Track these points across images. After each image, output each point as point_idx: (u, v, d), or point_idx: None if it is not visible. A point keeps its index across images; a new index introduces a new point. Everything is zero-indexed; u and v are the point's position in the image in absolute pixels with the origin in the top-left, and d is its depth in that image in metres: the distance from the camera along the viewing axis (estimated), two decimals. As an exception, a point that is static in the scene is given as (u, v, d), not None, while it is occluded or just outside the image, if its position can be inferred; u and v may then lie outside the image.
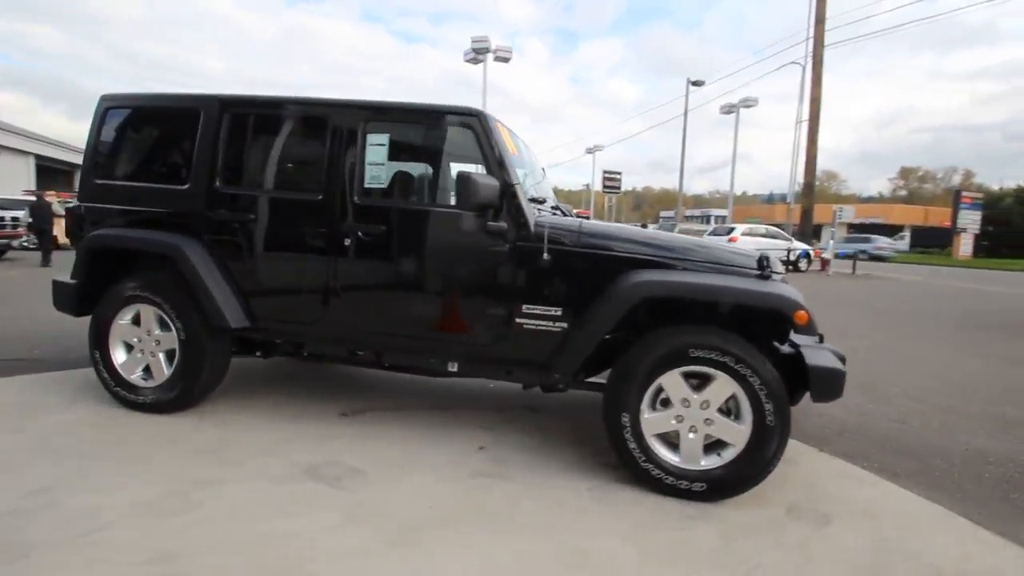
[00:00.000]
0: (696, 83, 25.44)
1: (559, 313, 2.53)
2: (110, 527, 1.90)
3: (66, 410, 2.96)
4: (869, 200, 66.14)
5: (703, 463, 2.33)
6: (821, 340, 2.61)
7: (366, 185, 2.71)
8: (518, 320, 2.56)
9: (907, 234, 35.64)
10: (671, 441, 2.39)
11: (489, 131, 2.60)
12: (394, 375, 3.19)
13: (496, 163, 2.56)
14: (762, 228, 18.59)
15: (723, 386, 2.27)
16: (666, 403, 2.37)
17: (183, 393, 2.89)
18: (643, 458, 2.34)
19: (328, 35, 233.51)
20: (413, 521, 2.06)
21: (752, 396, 2.23)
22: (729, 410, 2.33)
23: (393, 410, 3.26)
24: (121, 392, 2.96)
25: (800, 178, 19.65)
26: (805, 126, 19.02)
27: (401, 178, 2.99)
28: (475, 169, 2.68)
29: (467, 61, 19.28)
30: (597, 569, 1.84)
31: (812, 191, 19.34)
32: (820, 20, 19.56)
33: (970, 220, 29.90)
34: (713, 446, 2.35)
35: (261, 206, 2.83)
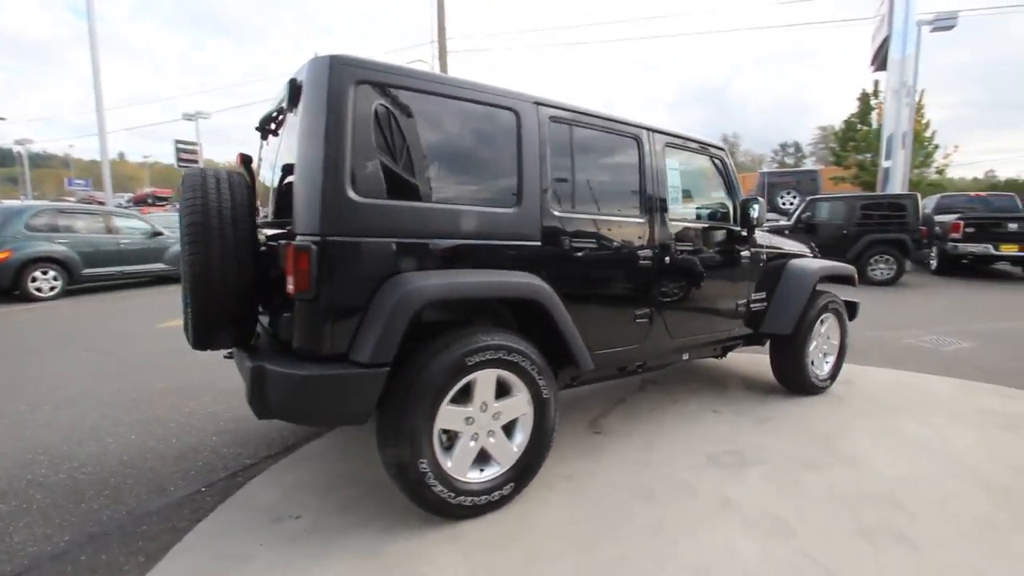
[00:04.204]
0: (320, 60, 24.94)
1: (764, 296, 3.59)
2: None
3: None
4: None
5: (824, 369, 3.95)
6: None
7: (670, 206, 2.92)
8: (751, 305, 3.48)
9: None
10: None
11: (731, 162, 3.30)
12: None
13: (738, 188, 3.31)
14: None
15: (835, 322, 3.93)
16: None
17: (537, 466, 2.36)
18: (813, 376, 3.77)
19: None
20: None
21: (842, 323, 3.98)
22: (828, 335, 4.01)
23: (618, 412, 3.44)
24: (466, 502, 2.13)
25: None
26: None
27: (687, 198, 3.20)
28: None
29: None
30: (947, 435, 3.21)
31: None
32: (442, 28, 22.75)
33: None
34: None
35: (597, 230, 2.58)
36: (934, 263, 10.66)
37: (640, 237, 2.76)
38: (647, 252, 2.78)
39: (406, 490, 2.02)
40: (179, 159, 44.12)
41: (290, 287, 1.86)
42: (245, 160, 2.43)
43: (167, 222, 11.19)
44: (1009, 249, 9.39)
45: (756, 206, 3.19)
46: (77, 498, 2.39)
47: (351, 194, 1.89)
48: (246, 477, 2.59)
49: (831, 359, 3.99)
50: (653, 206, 2.81)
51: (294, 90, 2.05)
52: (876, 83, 21.61)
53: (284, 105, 2.27)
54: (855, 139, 22.70)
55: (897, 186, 13.30)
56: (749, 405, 3.64)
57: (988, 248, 9.50)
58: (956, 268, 10.50)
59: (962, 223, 9.67)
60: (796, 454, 2.86)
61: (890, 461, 2.77)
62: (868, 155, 22.06)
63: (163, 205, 31.20)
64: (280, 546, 2.01)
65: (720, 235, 3.25)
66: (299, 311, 1.89)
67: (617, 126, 2.71)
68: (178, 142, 43.97)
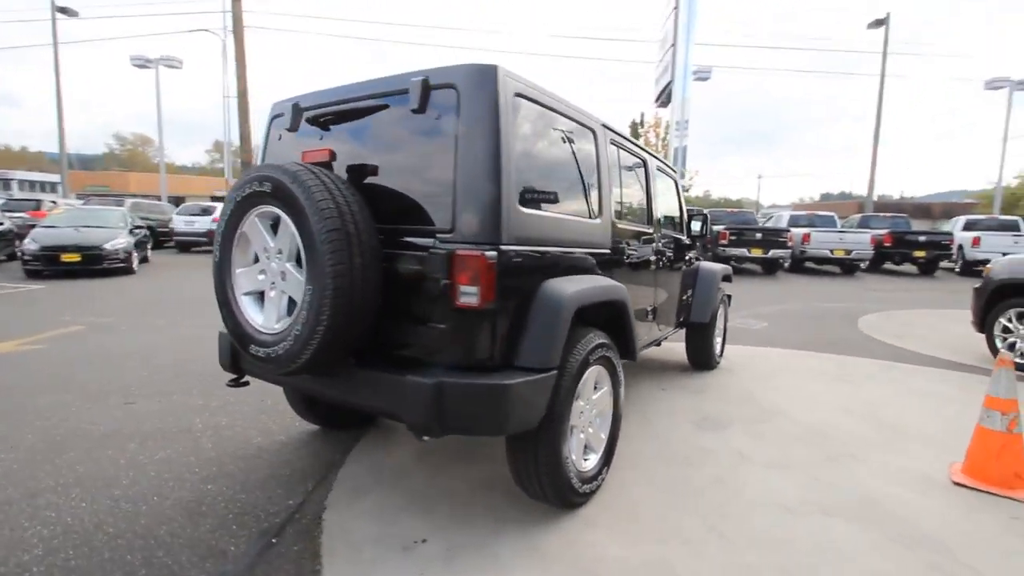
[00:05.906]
0: (64, 10, 19.69)
1: (691, 292, 4.45)
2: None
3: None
4: (183, 170, 68.95)
5: (719, 349, 5.03)
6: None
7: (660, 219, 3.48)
8: (687, 300, 4.29)
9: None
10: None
11: (681, 183, 4.03)
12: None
13: (685, 203, 4.06)
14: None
15: (723, 311, 5.02)
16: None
17: (614, 450, 2.66)
18: (714, 355, 4.78)
19: None
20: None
21: (726, 312, 5.12)
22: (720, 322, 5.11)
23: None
24: (586, 489, 2.34)
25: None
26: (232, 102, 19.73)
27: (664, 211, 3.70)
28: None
29: None
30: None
31: (250, 164, 20.68)
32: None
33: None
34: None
35: (636, 240, 2.98)
36: (709, 263, 13.78)
37: (650, 245, 3.25)
38: (653, 257, 3.29)
39: (550, 485, 2.12)
40: None
41: (469, 299, 1.82)
42: (333, 156, 2.13)
43: None
44: (756, 252, 12.73)
45: (698, 221, 3.98)
46: (107, 585, 1.81)
47: (517, 204, 1.94)
48: (309, 516, 2.28)
49: (719, 340, 5.09)
50: (655, 219, 3.33)
51: (425, 91, 1.96)
52: (642, 115, 26.40)
53: (389, 104, 2.11)
54: (629, 161, 27.46)
55: (676, 202, 16.88)
56: (679, 382, 4.45)
57: (744, 251, 12.70)
58: (723, 267, 13.76)
59: (728, 232, 12.72)
60: (742, 414, 3.69)
61: (798, 409, 3.79)
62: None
63: None
64: (441, 570, 1.91)
65: (681, 243, 3.95)
66: (471, 322, 1.85)
67: (637, 150, 3.15)
68: None
